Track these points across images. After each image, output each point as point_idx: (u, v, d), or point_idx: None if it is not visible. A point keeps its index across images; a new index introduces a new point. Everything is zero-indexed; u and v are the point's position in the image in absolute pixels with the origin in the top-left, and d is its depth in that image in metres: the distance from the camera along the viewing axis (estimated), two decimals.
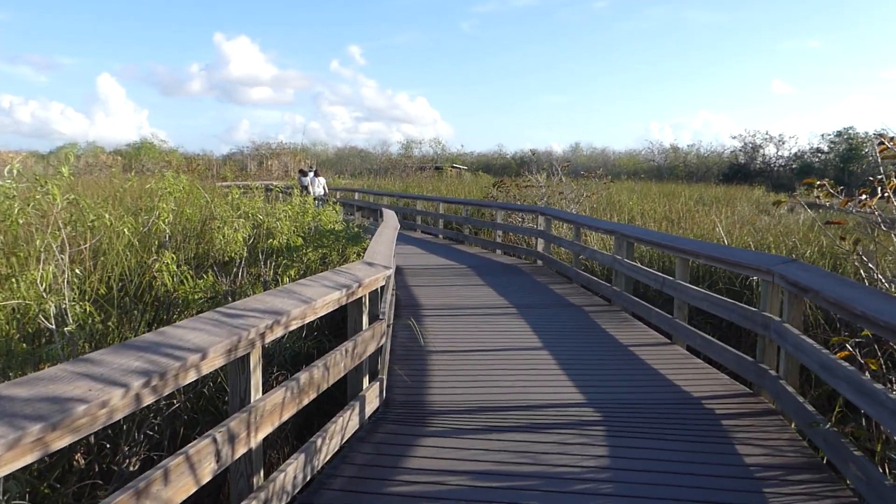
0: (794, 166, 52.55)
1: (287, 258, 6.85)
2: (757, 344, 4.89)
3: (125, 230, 5.16)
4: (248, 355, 2.71)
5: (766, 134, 54.93)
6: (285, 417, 3.01)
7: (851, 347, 4.07)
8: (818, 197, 5.71)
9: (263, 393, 2.88)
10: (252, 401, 2.76)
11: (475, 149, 75.22)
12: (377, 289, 4.38)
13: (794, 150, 54.52)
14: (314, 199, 14.24)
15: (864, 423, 3.88)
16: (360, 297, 4.02)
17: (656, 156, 61.84)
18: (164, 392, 2.10)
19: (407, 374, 5.26)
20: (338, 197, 26.58)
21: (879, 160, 5.23)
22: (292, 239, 7.29)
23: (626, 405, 4.69)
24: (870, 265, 4.98)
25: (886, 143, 4.92)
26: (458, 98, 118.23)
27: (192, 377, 2.27)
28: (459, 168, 54.40)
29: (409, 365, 5.56)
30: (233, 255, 6.53)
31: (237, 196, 8.43)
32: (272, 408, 2.86)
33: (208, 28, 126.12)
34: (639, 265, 7.45)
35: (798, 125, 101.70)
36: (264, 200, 11.74)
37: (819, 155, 52.19)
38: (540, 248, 11.87)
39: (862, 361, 3.76)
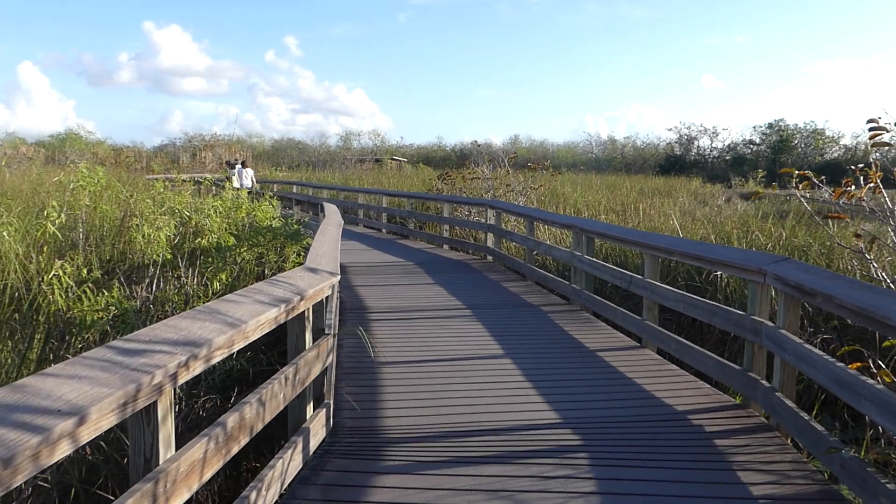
0: (727, 158, 53.78)
1: (217, 260, 6.09)
2: (744, 351, 4.45)
3: (3, 233, 4.33)
4: (153, 404, 2.04)
5: (701, 126, 56.13)
6: (208, 476, 2.34)
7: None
8: (799, 189, 5.31)
9: (178, 447, 2.21)
10: (161, 461, 2.09)
11: (415, 141, 74.22)
12: (322, 299, 3.73)
13: (727, 142, 55.83)
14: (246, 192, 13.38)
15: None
16: (303, 312, 3.37)
17: (594, 148, 62.45)
18: (11, 485, 1.43)
19: (357, 393, 4.63)
20: (275, 190, 25.55)
21: (870, 147, 4.84)
22: (223, 237, 6.52)
23: (607, 424, 4.17)
24: (873, 264, 4.60)
25: (882, 128, 4.53)
26: (397, 90, 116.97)
27: (63, 452, 1.60)
28: (399, 160, 53.68)
29: (359, 382, 4.92)
30: (155, 256, 5.74)
31: (162, 190, 7.58)
32: (189, 467, 2.19)
33: (137, 16, 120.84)
34: (601, 262, 6.99)
35: (727, 118, 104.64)
36: (194, 194, 10.83)
37: (751, 146, 53.56)
38: (490, 243, 11.35)
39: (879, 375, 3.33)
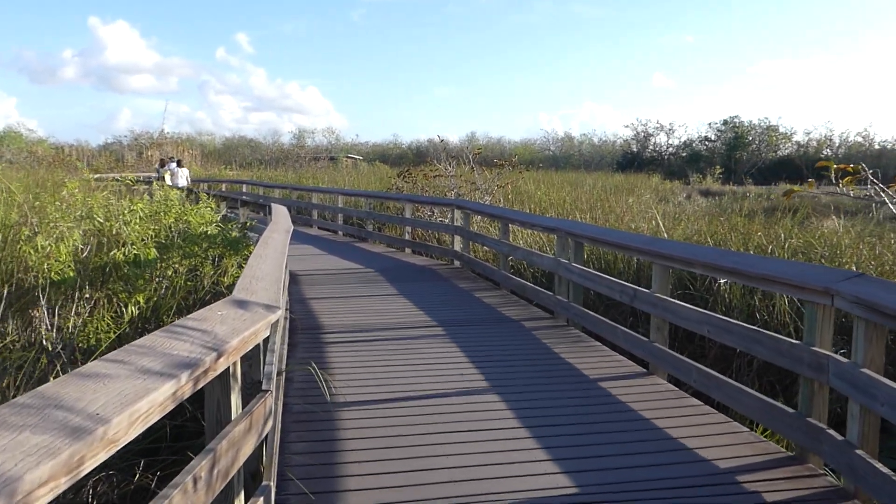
0: (683, 154, 53.91)
1: (134, 277, 4.94)
2: (801, 391, 3.54)
3: None
4: None
5: (658, 123, 56.14)
6: None
7: None
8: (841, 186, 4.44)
9: None
10: None
11: (370, 139, 72.86)
12: (259, 343, 2.67)
13: (683, 139, 56.00)
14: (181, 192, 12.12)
15: None
16: (227, 370, 2.30)
17: (551, 145, 62.18)
18: None
19: (308, 463, 3.57)
20: (223, 190, 24.11)
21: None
22: (143, 249, 5.35)
23: (632, 493, 3.21)
24: None
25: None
26: (351, 88, 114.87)
27: None
28: (355, 158, 52.40)
29: (312, 437, 3.86)
30: (53, 275, 4.58)
31: (74, 190, 6.35)
32: None
33: (82, 12, 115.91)
34: (595, 272, 6.05)
35: (678, 116, 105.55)
36: (121, 195, 9.56)
37: (707, 143, 53.77)
38: (457, 246, 10.35)
39: None
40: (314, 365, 4.23)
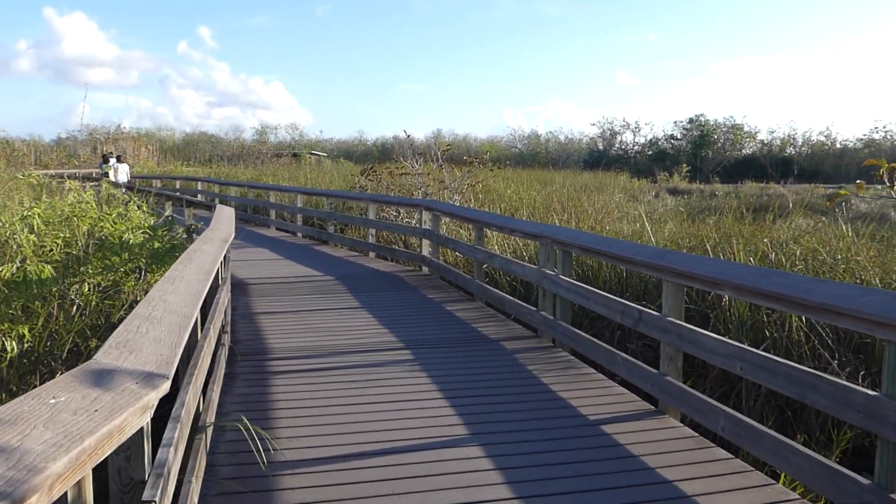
0: (650, 153, 53.81)
1: (17, 301, 3.91)
2: (879, 457, 2.73)
3: None
4: None
5: (624, 121, 55.99)
6: None
7: None
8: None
9: None
10: None
11: (335, 135, 71.67)
12: (131, 435, 1.74)
13: (649, 137, 55.92)
14: (119, 188, 10.99)
15: None
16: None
17: (517, 143, 61.66)
18: None
19: None
20: (177, 187, 22.83)
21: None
22: (35, 267, 4.31)
23: None
24: None
25: None
26: (316, 84, 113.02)
27: None
28: (319, 155, 51.20)
29: None
30: None
31: None
32: None
33: (36, 2, 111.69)
34: (588, 287, 5.21)
35: (641, 114, 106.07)
36: (50, 193, 8.42)
37: (672, 141, 53.73)
38: (426, 251, 9.45)
39: None
40: (245, 421, 3.29)
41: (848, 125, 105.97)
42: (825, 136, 50.11)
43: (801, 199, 25.64)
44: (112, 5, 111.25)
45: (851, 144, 48.68)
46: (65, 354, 3.82)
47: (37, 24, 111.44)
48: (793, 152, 50.27)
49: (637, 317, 4.42)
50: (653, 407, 4.31)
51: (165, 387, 1.71)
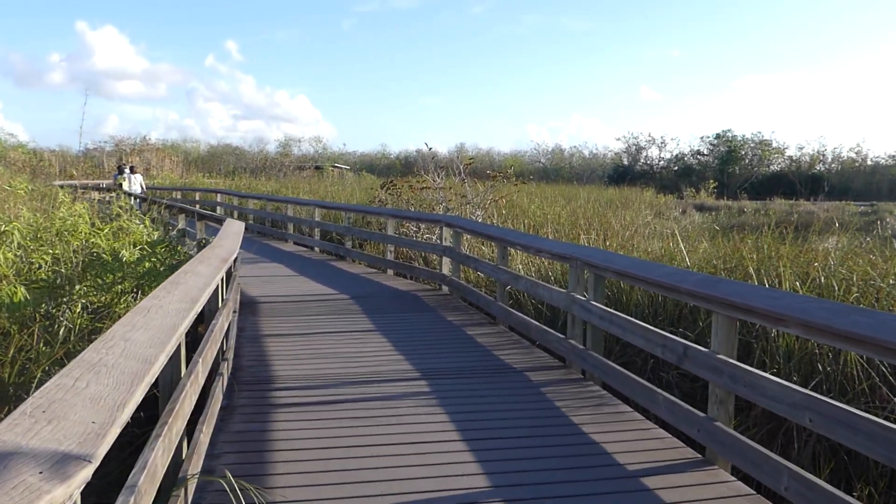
0: (675, 168, 53.01)
1: None
2: None
3: None
4: None
5: (649, 136, 55.25)
6: None
7: None
8: None
9: None
10: None
11: (358, 148, 71.72)
12: None
13: (675, 153, 55.12)
14: (134, 198, 10.69)
15: None
16: None
17: (541, 157, 61.18)
18: None
19: None
20: (197, 198, 22.68)
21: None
22: (8, 289, 3.92)
23: None
24: None
25: None
26: (340, 97, 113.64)
27: None
28: (341, 168, 51.15)
29: None
30: None
31: None
32: None
33: (69, 16, 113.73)
34: (623, 316, 4.71)
35: (665, 129, 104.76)
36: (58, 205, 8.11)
37: (699, 157, 52.90)
38: (446, 270, 9.00)
39: None
40: (230, 477, 2.84)
41: (879, 141, 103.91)
42: (856, 153, 49.02)
43: (832, 217, 24.91)
44: (143, 19, 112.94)
45: (883, 161, 47.51)
46: (34, 387, 3.44)
47: (69, 37, 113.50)
48: (822, 169, 49.22)
49: (682, 352, 3.92)
50: (699, 455, 3.79)
51: (86, 474, 1.28)
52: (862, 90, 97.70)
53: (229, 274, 6.10)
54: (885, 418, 4.87)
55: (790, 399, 3.05)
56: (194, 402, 3.04)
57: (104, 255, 4.99)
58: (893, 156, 47.07)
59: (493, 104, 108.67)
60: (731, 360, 3.51)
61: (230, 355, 4.99)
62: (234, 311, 6.23)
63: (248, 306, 7.81)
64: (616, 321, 4.72)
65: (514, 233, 8.02)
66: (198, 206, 21.75)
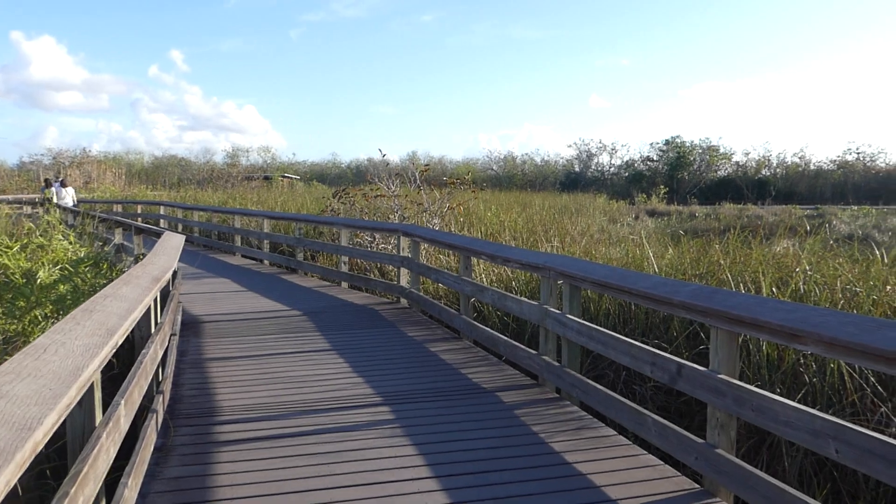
0: (626, 174, 53.58)
1: None
2: None
3: None
4: None
5: (600, 142, 55.81)
6: None
7: None
8: None
9: None
10: None
11: (308, 158, 70.66)
12: None
13: (625, 159, 55.74)
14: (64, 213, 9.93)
15: None
16: None
17: (493, 164, 61.19)
18: None
19: None
20: (139, 212, 21.69)
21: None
22: None
23: None
24: None
25: None
26: (290, 107, 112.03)
27: None
28: (291, 178, 50.16)
29: None
30: None
31: None
32: None
33: (3, 26, 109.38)
34: (604, 330, 4.31)
35: (615, 137, 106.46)
36: None
37: (649, 163, 53.58)
38: (404, 281, 8.52)
39: None
40: None
41: (822, 147, 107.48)
42: (799, 158, 50.33)
43: (781, 220, 25.27)
44: (81, 29, 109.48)
45: (825, 166, 48.89)
46: None
47: (4, 47, 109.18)
48: (768, 174, 50.35)
49: (675, 371, 3.54)
50: (697, 486, 3.41)
51: None
52: (804, 98, 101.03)
53: (166, 293, 5.52)
54: (873, 429, 4.61)
55: (810, 426, 2.68)
56: (114, 454, 2.51)
57: (14, 277, 4.37)
58: (835, 161, 48.46)
59: (445, 113, 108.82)
60: (735, 381, 3.14)
61: (167, 386, 4.42)
62: (174, 335, 5.64)
63: (191, 327, 7.19)
64: (596, 336, 4.33)
65: (479, 241, 7.60)
66: (139, 219, 20.79)
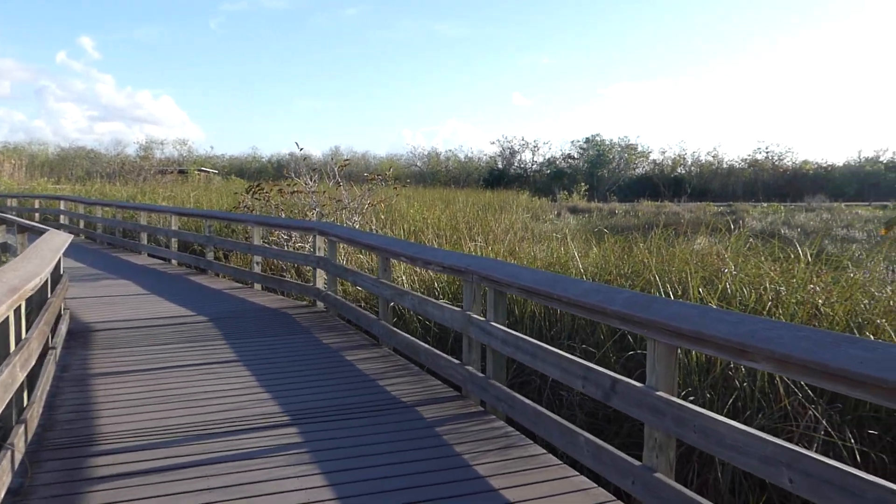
0: (548, 172, 54.28)
1: None
2: None
3: None
4: None
5: (523, 140, 56.26)
6: None
7: None
8: None
9: None
10: None
11: (227, 151, 68.35)
12: None
13: (547, 156, 56.46)
14: None
15: None
16: None
17: (417, 160, 60.89)
18: None
19: None
20: (36, 206, 20.21)
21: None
22: None
23: None
24: None
25: None
26: (209, 99, 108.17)
27: None
28: (208, 172, 48.37)
29: None
30: None
31: None
32: None
33: None
34: (532, 341, 3.98)
35: (537, 135, 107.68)
36: None
37: (570, 161, 54.45)
38: (320, 284, 8.02)
39: None
40: None
41: (733, 146, 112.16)
42: (713, 157, 52.24)
43: (697, 217, 26.00)
44: None
45: (737, 164, 50.90)
46: None
47: None
48: (683, 172, 52.04)
49: (609, 387, 3.24)
50: None
51: None
52: (718, 98, 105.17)
53: (43, 301, 4.87)
54: (801, 435, 4.48)
55: (760, 452, 2.41)
56: None
57: None
58: (746, 159, 50.51)
59: (369, 109, 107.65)
60: (676, 399, 2.86)
61: (34, 412, 3.82)
62: (52, 348, 4.99)
63: (80, 336, 6.49)
64: (523, 346, 4.00)
65: (399, 242, 7.18)
66: (37, 215, 19.33)
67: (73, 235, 6.93)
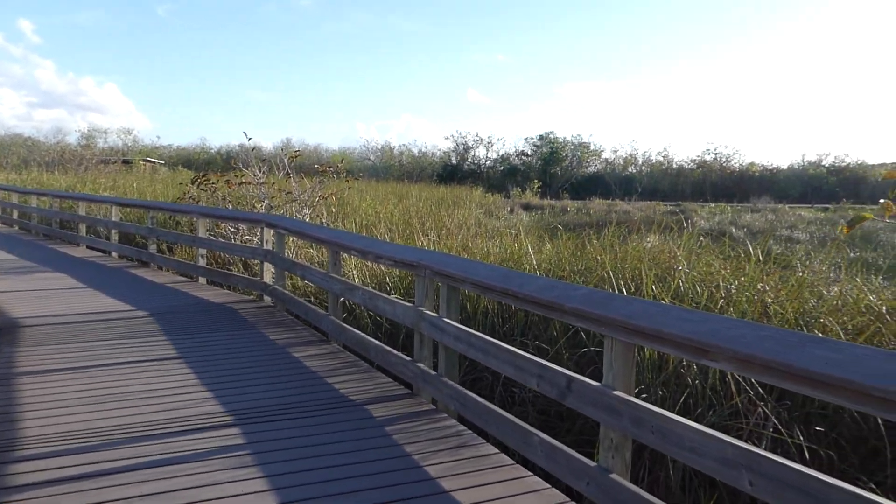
0: (502, 168, 54.43)
1: None
2: None
3: None
4: None
5: (477, 136, 56.30)
6: None
7: None
8: None
9: None
10: None
11: (174, 142, 66.39)
12: None
13: (501, 153, 56.61)
14: None
15: None
16: None
17: (370, 154, 60.42)
18: None
19: None
20: None
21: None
22: None
23: None
24: None
25: None
26: (156, 88, 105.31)
27: None
28: (154, 162, 47.02)
29: None
30: None
31: None
32: None
33: None
34: (485, 337, 3.87)
35: (491, 131, 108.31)
36: None
37: (523, 157, 54.72)
38: (268, 278, 7.77)
39: None
40: None
41: (683, 147, 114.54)
42: (663, 157, 53.15)
43: (648, 216, 26.40)
44: None
45: (686, 165, 51.89)
46: None
47: None
48: (634, 171, 52.82)
49: (564, 386, 3.14)
50: None
51: None
52: (668, 100, 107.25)
53: None
54: (751, 432, 4.49)
55: (720, 453, 2.34)
56: None
57: None
58: (695, 160, 51.53)
59: (322, 101, 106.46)
60: (633, 399, 2.77)
61: None
62: None
63: (6, 332, 6.12)
64: (476, 343, 3.88)
65: (349, 235, 6.98)
66: None
67: (3, 225, 6.53)
